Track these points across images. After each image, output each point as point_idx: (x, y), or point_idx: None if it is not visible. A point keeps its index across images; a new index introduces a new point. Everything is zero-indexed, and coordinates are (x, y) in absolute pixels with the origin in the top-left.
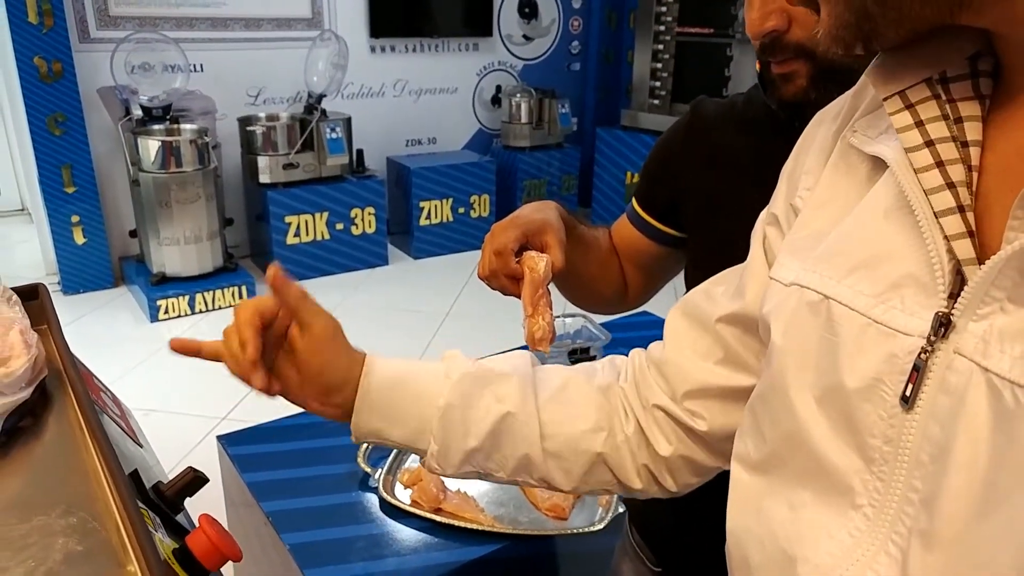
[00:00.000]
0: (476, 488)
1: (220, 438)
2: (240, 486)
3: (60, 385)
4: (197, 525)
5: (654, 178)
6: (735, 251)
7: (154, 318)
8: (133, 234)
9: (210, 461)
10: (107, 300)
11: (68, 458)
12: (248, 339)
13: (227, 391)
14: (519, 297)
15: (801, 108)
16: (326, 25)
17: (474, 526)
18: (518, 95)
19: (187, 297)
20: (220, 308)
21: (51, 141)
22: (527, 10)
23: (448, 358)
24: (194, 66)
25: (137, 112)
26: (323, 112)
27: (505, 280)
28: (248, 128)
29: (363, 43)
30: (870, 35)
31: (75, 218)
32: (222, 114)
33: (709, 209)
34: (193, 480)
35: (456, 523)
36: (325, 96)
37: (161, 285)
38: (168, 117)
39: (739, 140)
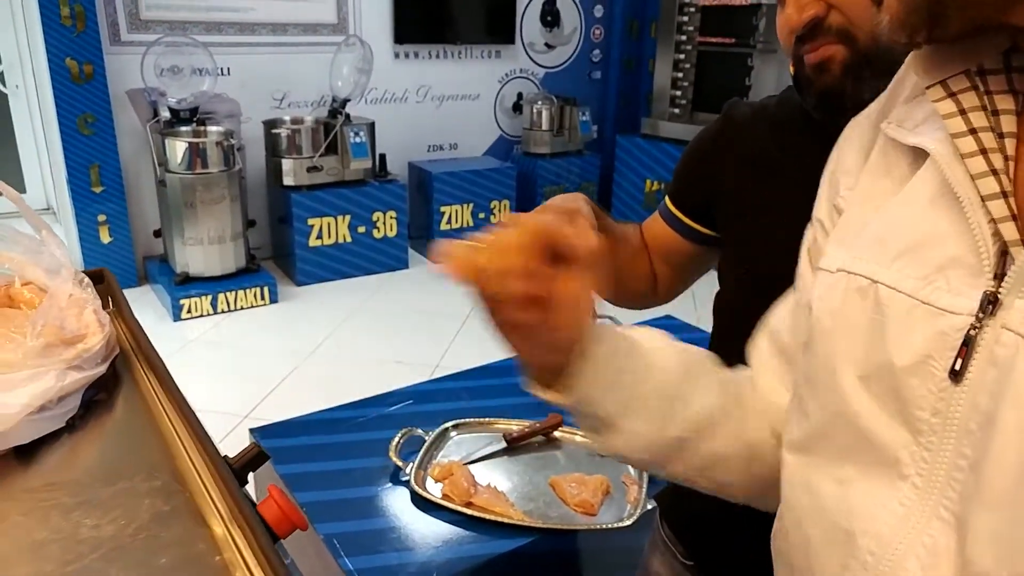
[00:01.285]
0: (506, 483)
1: (253, 431)
2: (273, 478)
3: (128, 364)
4: (266, 495)
5: (687, 178)
6: (768, 250)
7: (177, 317)
8: (157, 234)
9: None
10: (131, 298)
11: (145, 428)
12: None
13: (249, 389)
14: None
15: (839, 101)
16: (351, 31)
17: (504, 520)
18: (539, 102)
19: (210, 297)
20: (242, 308)
21: (80, 141)
22: (549, 19)
23: (649, 339)
24: (221, 69)
25: (165, 114)
26: (347, 116)
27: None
28: (273, 131)
29: (387, 49)
30: (937, 19)
31: (101, 217)
32: (247, 117)
33: (742, 210)
34: (258, 455)
35: (487, 517)
36: (349, 101)
37: (184, 285)
38: (195, 119)
39: (772, 142)
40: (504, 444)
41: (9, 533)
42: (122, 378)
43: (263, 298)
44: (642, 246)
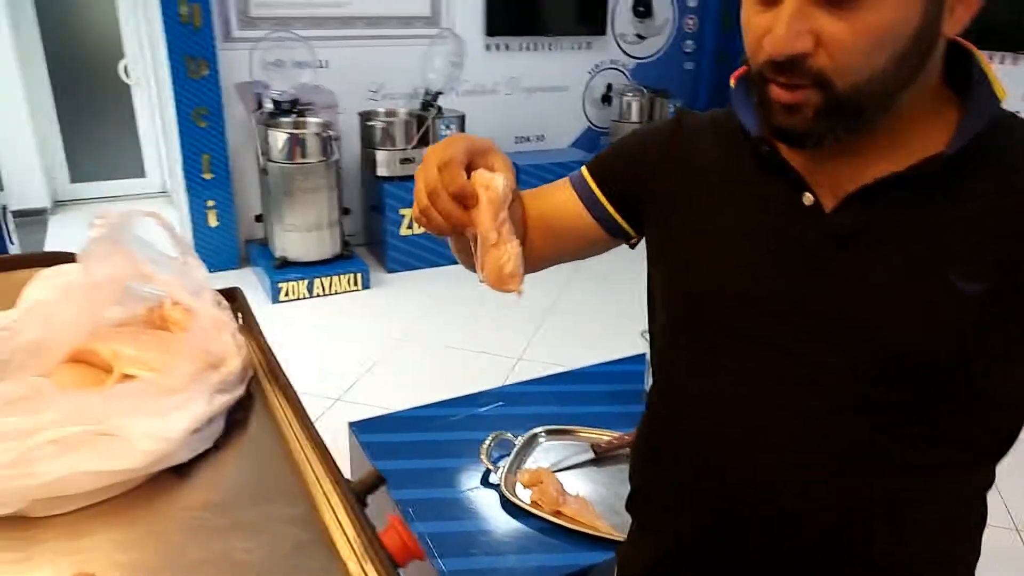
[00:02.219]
0: (593, 494)
1: (352, 425)
2: (370, 472)
3: (257, 381)
4: (387, 523)
5: (623, 162)
6: (706, 275)
7: (275, 299)
8: (259, 219)
9: (327, 439)
10: (234, 280)
11: (279, 450)
12: None
13: (342, 372)
14: (463, 230)
15: (798, 141)
16: (444, 24)
17: (592, 532)
18: (629, 94)
19: (306, 281)
20: (336, 293)
21: (195, 132)
22: (641, 9)
23: None
24: (320, 62)
25: (268, 105)
26: (439, 109)
27: (450, 204)
28: (368, 123)
29: (479, 41)
30: None
31: (210, 202)
32: (343, 108)
33: (679, 228)
34: (376, 480)
35: (575, 527)
36: (441, 93)
37: (283, 269)
38: (295, 111)
39: (715, 153)
40: (592, 455)
41: (170, 552)
42: (256, 398)
43: (356, 284)
44: (520, 215)
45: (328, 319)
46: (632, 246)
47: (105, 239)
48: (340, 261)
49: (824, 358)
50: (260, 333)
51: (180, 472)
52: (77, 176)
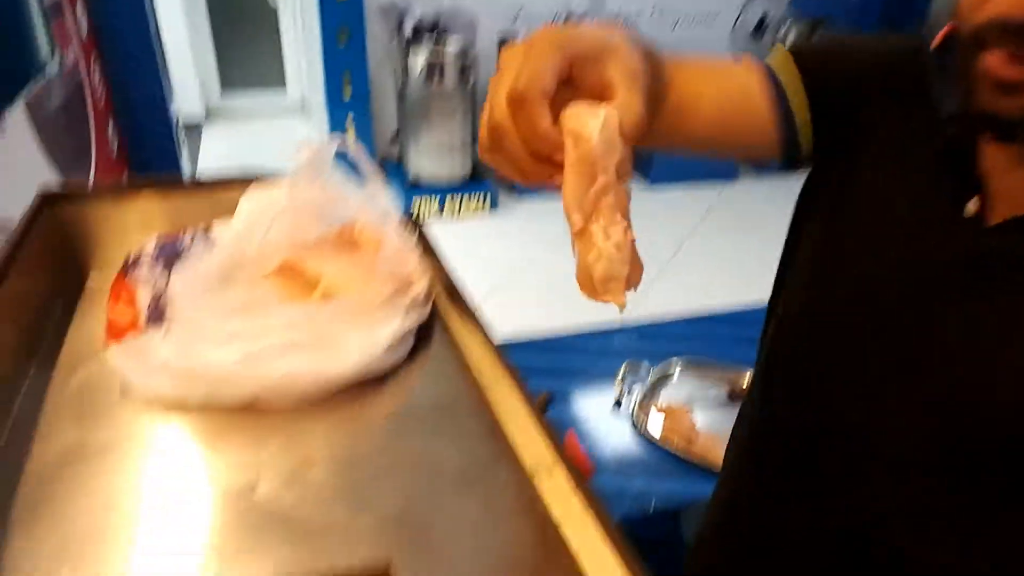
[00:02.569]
0: (725, 434)
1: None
2: (543, 394)
3: (436, 304)
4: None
5: (846, 65)
6: (842, 227)
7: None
8: (394, 139)
9: None
10: None
11: (462, 367)
12: None
13: (470, 291)
14: (553, 188)
15: (1009, 128)
16: None
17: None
18: (786, 25)
19: (437, 200)
20: (465, 214)
21: (337, 51)
22: None
23: None
24: None
25: (408, 28)
26: None
27: (524, 158)
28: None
29: None
30: None
31: (349, 119)
32: (483, 32)
33: (854, 167)
34: (548, 399)
35: (703, 464)
36: (584, 18)
37: (416, 188)
38: (435, 33)
39: (911, 113)
40: (726, 394)
41: (378, 449)
42: (435, 319)
43: (484, 205)
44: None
45: (457, 239)
46: (787, 165)
47: (308, 165)
48: (470, 184)
49: (928, 389)
50: (439, 257)
51: (379, 382)
52: (226, 94)
